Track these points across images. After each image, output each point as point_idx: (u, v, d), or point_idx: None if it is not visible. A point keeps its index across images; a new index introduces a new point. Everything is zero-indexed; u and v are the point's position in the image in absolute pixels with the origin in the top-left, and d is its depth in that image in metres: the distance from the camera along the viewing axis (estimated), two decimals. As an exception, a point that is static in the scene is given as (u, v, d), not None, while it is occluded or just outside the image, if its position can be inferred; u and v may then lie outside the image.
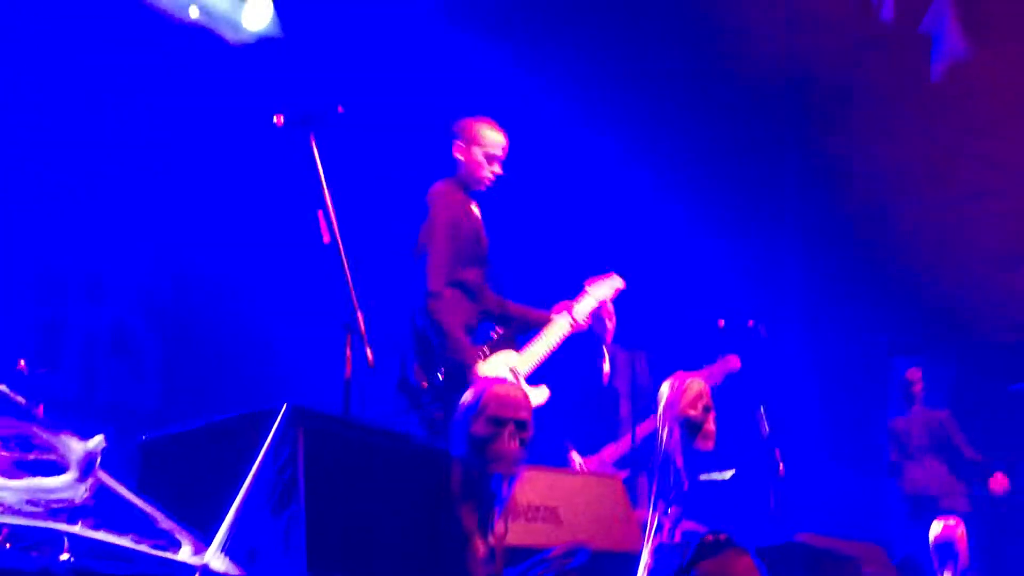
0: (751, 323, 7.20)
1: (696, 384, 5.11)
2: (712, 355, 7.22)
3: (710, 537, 4.56)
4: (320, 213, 5.14)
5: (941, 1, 8.57)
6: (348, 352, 5.02)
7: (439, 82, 7.67)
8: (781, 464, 6.71)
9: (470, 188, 5.78)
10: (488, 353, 5.62)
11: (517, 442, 4.04)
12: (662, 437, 5.01)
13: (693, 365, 6.98)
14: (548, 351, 6.02)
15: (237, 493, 3.42)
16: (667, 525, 4.77)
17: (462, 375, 5.33)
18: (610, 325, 6.05)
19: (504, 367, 5.59)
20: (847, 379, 8.61)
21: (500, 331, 5.77)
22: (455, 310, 5.53)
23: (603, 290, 6.10)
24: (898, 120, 8.46)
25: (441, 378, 5.40)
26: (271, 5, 7.66)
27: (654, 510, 4.81)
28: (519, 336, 5.83)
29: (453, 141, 5.84)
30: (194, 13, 7.43)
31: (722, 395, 7.27)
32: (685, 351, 7.35)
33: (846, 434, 8.73)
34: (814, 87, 8.80)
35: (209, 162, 7.25)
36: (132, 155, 7.27)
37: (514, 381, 4.18)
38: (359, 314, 5.03)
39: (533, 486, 4.86)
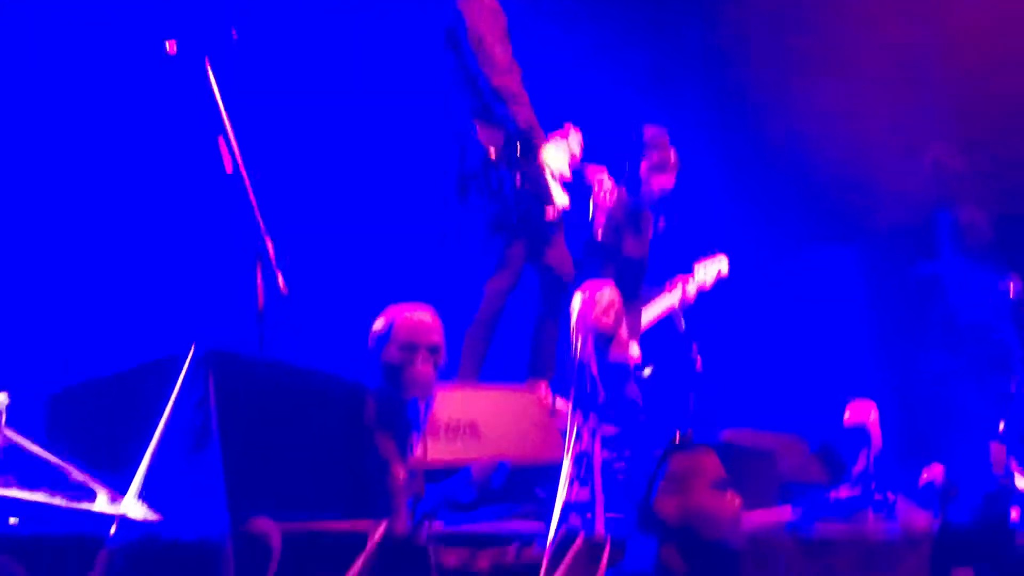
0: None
1: (608, 293, 5.13)
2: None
3: (681, 433, 4.68)
4: (221, 140, 5.03)
5: None
6: (259, 281, 4.97)
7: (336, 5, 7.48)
8: (699, 360, 6.83)
9: None
10: None
11: (431, 366, 4.08)
12: (576, 347, 5.05)
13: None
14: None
15: (150, 440, 3.41)
16: (586, 434, 4.84)
17: (532, 148, 5.69)
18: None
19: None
20: (758, 270, 8.64)
21: None
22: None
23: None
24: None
25: (519, 147, 5.65)
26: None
27: (572, 419, 4.87)
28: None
29: None
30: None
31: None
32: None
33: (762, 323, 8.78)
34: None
35: (101, 93, 7.02)
36: (20, 86, 7.01)
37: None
38: (268, 241, 4.96)
39: (451, 403, 4.91)
